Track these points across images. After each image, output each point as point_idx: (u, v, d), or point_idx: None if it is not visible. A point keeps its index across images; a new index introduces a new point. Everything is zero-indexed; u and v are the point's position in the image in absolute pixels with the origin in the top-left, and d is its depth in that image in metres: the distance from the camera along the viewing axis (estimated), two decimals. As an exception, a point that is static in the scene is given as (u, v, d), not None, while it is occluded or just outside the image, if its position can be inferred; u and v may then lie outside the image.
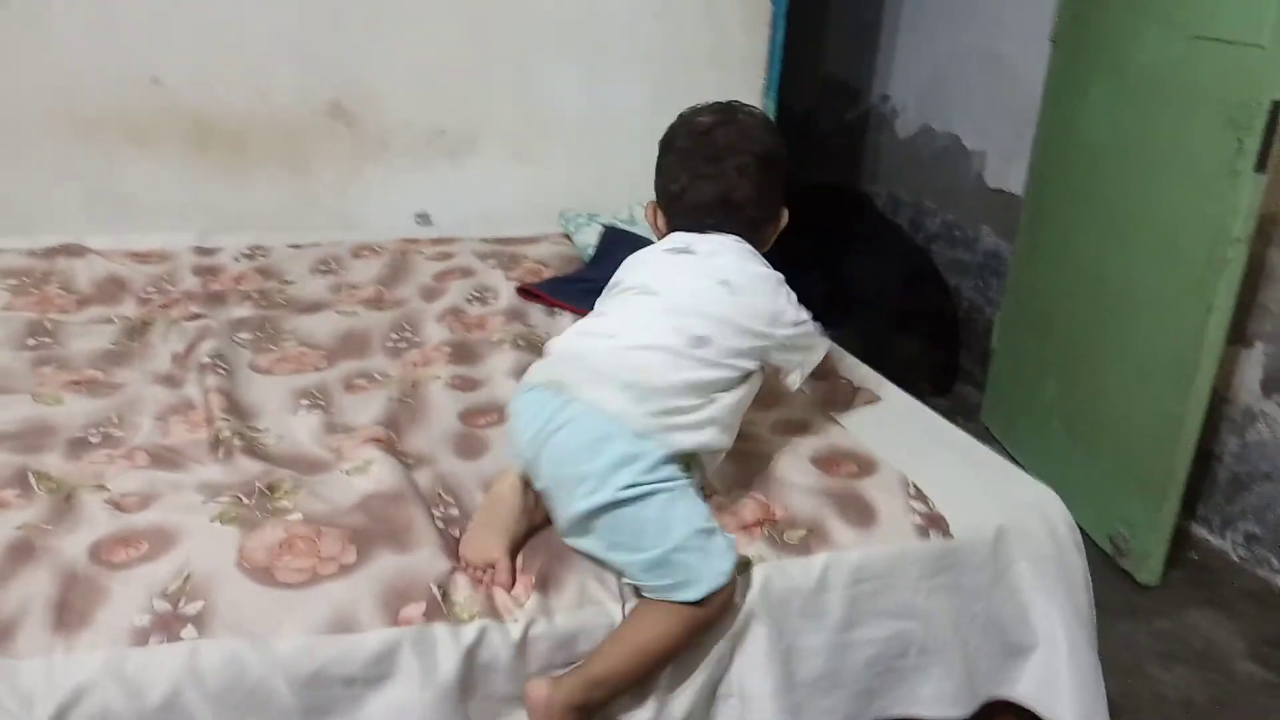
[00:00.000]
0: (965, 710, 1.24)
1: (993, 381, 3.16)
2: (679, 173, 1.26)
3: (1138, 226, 2.44)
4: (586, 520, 1.07)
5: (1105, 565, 2.50)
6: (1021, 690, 1.27)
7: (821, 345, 1.34)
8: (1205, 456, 2.67)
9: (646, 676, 1.05)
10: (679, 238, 1.27)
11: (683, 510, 1.06)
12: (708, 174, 1.23)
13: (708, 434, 1.13)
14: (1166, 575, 2.52)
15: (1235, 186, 2.14)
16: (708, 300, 1.19)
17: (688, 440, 1.11)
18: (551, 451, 1.09)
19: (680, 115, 1.30)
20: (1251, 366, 2.57)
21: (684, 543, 1.04)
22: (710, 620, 1.06)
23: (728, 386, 1.17)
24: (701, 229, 1.26)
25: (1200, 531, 2.75)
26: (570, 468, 1.08)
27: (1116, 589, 2.54)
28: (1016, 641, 1.26)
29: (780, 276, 1.28)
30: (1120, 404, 2.51)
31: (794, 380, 1.31)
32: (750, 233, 1.28)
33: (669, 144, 1.29)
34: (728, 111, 1.27)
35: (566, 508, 1.08)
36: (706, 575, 1.03)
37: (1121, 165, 2.49)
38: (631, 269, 1.28)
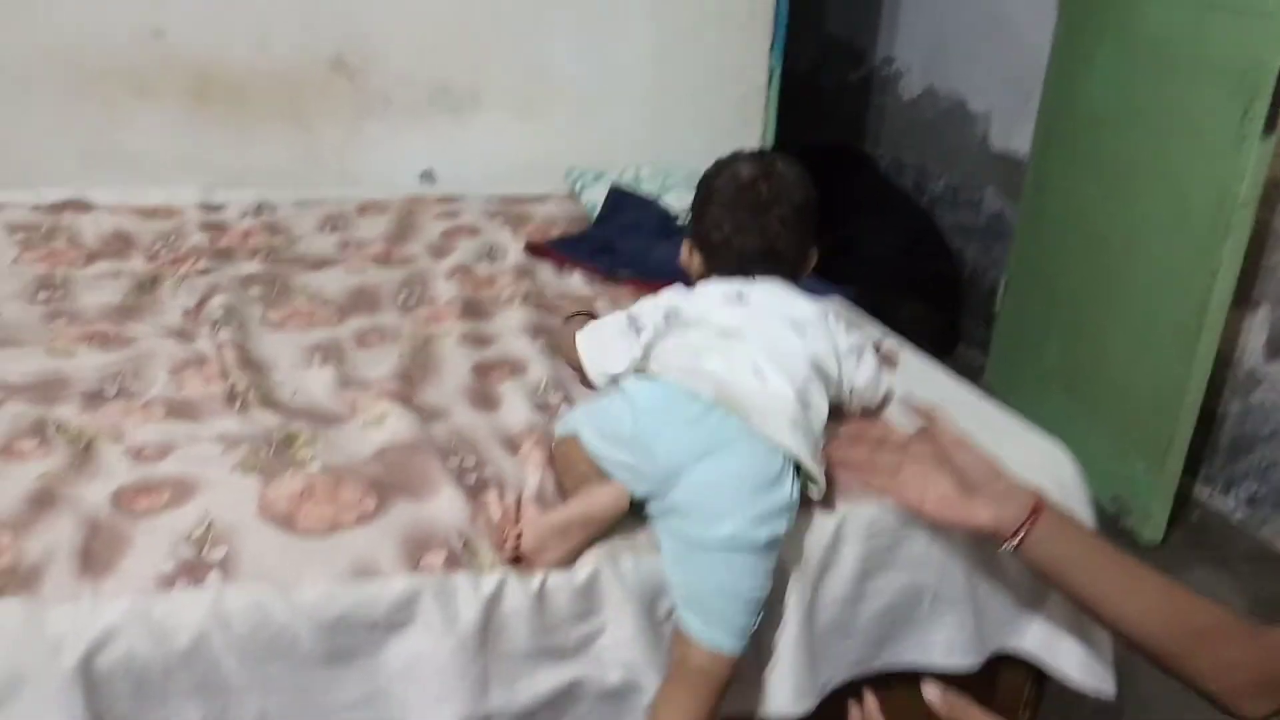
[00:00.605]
0: (974, 660, 1.25)
1: (997, 344, 3.17)
2: (722, 222, 1.27)
3: (1143, 190, 2.44)
4: (708, 544, 1.04)
5: (1107, 526, 2.53)
6: (1028, 643, 1.29)
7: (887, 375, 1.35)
8: (1208, 418, 2.69)
9: None
10: (729, 286, 1.25)
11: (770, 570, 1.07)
12: (752, 226, 1.26)
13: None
14: (1168, 535, 2.55)
15: (1242, 150, 2.13)
16: (790, 347, 1.18)
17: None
18: (715, 469, 1.05)
19: (718, 163, 1.32)
20: (1256, 329, 2.58)
21: (755, 601, 1.05)
22: (727, 682, 1.06)
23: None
24: (746, 274, 1.26)
25: (1202, 492, 2.77)
26: (729, 496, 1.04)
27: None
28: (1025, 595, 1.27)
29: (828, 308, 1.29)
30: (1124, 366, 2.52)
31: (857, 407, 1.30)
32: (789, 277, 1.29)
33: (710, 193, 1.30)
34: (768, 164, 1.30)
35: (699, 528, 1.04)
36: (742, 633, 1.05)
37: (1127, 129, 2.48)
38: (689, 301, 1.24)
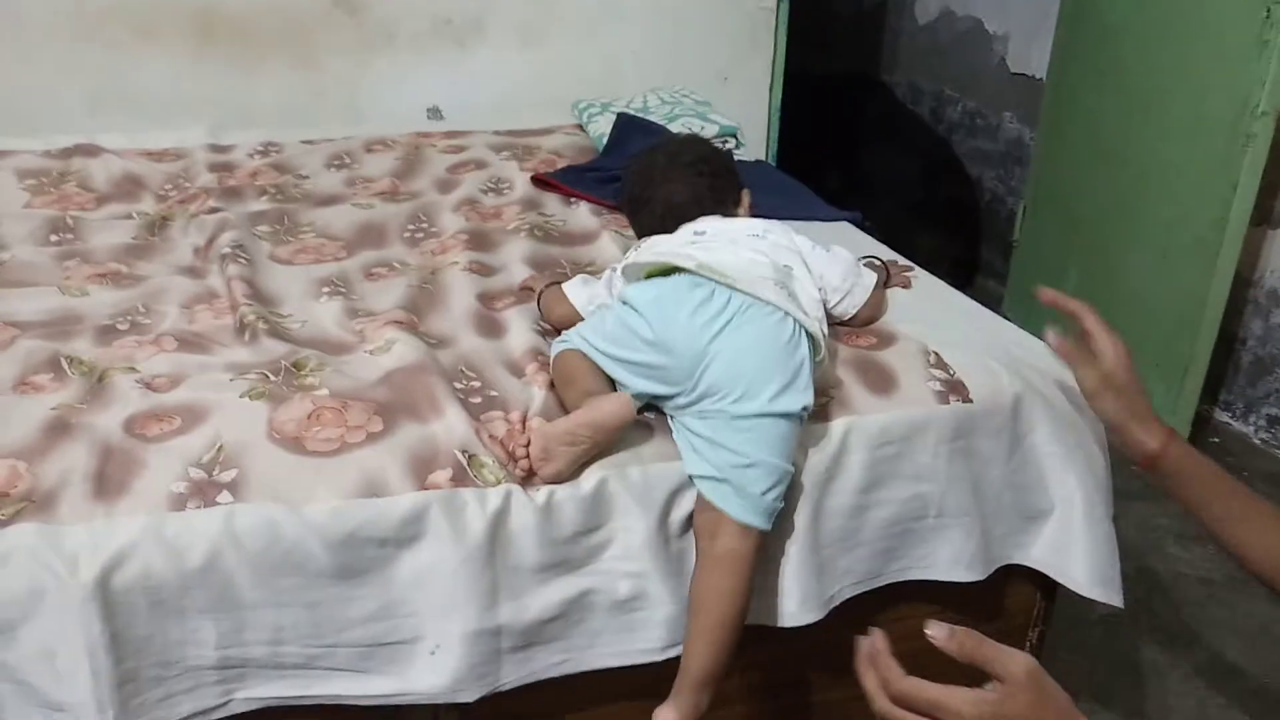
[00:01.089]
0: (980, 573, 1.26)
1: (1015, 274, 3.14)
2: (642, 190, 1.38)
3: (1162, 104, 2.38)
4: (746, 414, 1.07)
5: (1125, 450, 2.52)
6: (1036, 554, 1.29)
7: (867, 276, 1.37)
8: (1229, 341, 2.65)
9: (736, 637, 1.07)
10: (682, 232, 1.30)
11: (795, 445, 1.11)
12: (670, 179, 1.36)
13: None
14: (1188, 459, 2.54)
15: (1263, 57, 2.08)
16: (757, 246, 1.23)
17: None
18: (735, 343, 1.08)
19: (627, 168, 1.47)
20: (1277, 248, 2.53)
21: (785, 474, 1.08)
22: (756, 563, 1.09)
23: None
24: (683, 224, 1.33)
25: (1222, 417, 2.75)
26: (757, 363, 1.07)
27: (1136, 472, 2.58)
28: (1033, 506, 1.27)
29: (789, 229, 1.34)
30: (1142, 287, 2.49)
31: (845, 307, 1.34)
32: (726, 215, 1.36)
33: (627, 183, 1.44)
34: (663, 142, 1.50)
35: (737, 403, 1.07)
36: (770, 511, 1.08)
37: (1145, 41, 2.42)
38: (650, 246, 1.29)
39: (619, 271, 1.28)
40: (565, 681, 1.11)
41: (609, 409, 1.05)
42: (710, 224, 1.30)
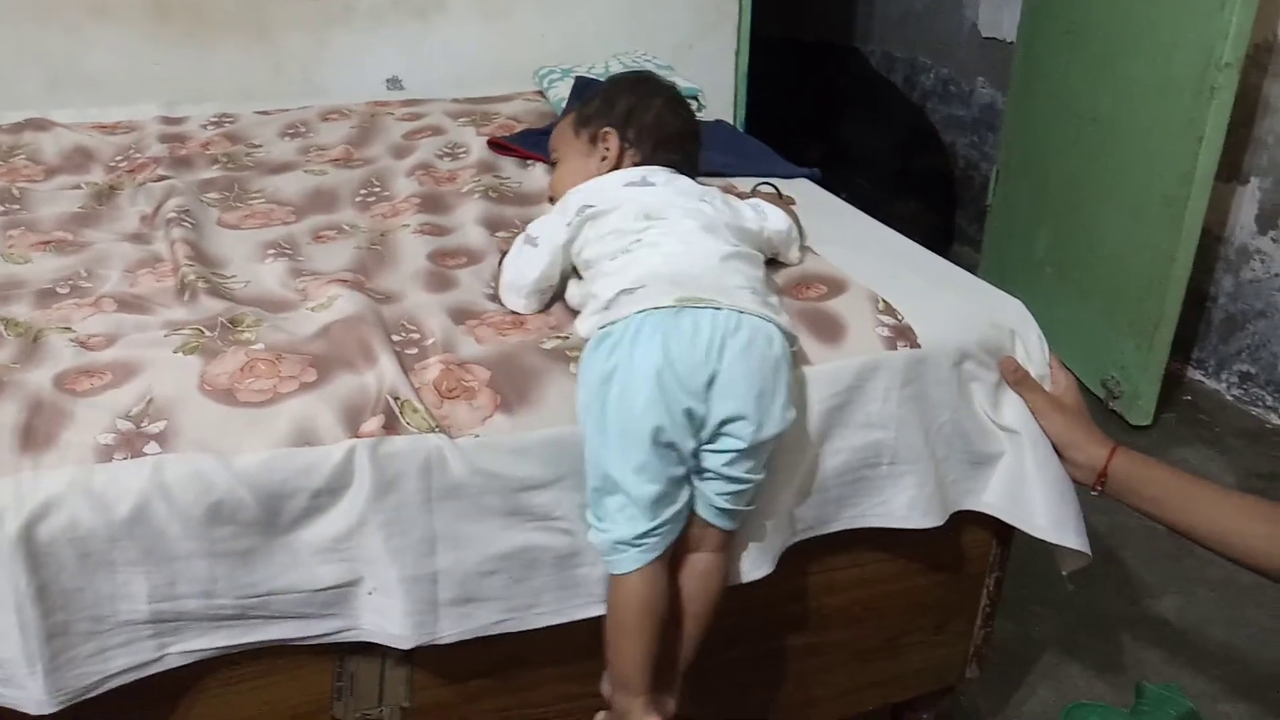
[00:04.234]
0: (937, 519, 1.25)
1: (989, 239, 3.13)
2: (656, 108, 1.36)
3: (1129, 61, 2.37)
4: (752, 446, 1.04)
5: (1097, 409, 2.52)
6: (989, 499, 1.28)
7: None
8: (1199, 299, 2.65)
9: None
10: (630, 173, 1.28)
11: None
12: (678, 114, 1.38)
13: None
14: (1159, 418, 2.54)
15: (1225, 9, 2.07)
16: (707, 212, 1.22)
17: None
18: (744, 364, 1.03)
19: (633, 76, 1.48)
20: (1246, 204, 2.53)
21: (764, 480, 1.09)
22: None
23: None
24: (665, 158, 1.32)
25: (1195, 375, 2.75)
26: (765, 381, 1.04)
27: (1108, 432, 2.60)
28: (983, 451, 1.26)
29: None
30: (1112, 245, 2.48)
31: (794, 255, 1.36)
32: (690, 167, 1.36)
33: (641, 91, 1.39)
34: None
35: (759, 428, 1.03)
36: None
37: (1113, -1, 2.41)
38: (595, 195, 1.24)
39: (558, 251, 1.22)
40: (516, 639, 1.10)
41: (627, 591, 1.02)
42: (661, 176, 1.28)
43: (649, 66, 2.19)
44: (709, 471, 1.05)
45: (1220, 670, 1.78)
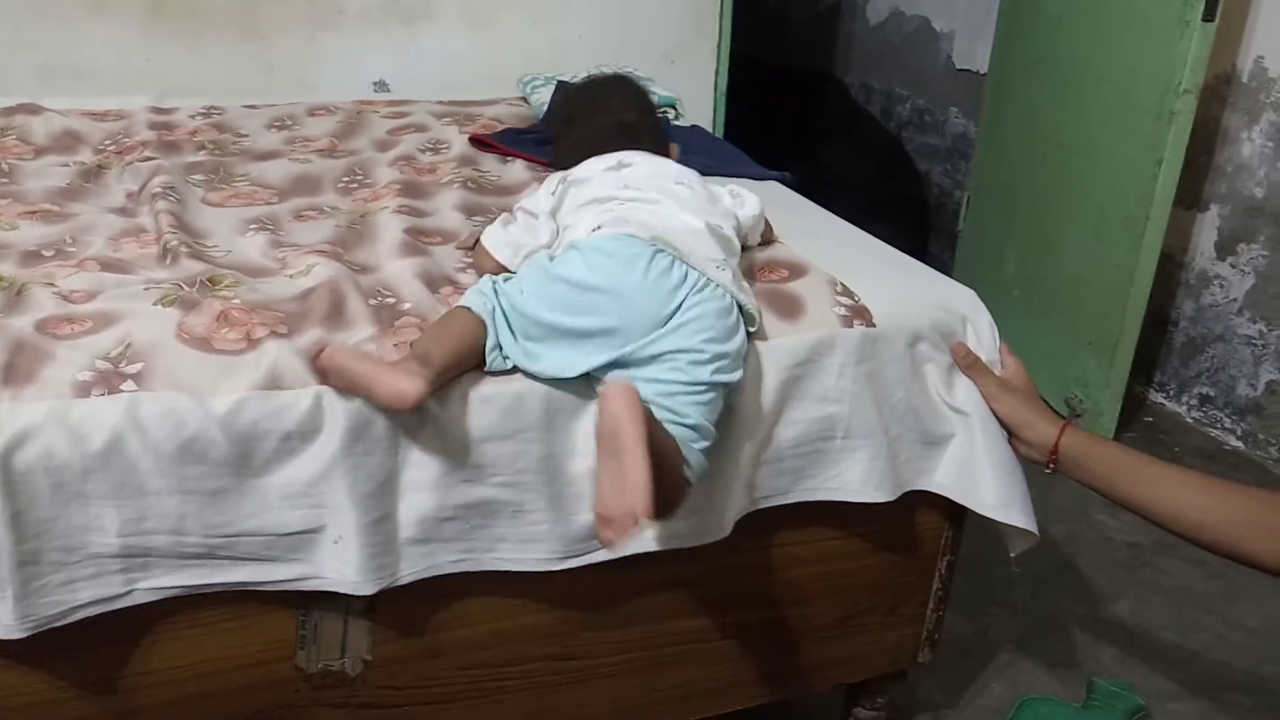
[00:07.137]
0: (890, 494, 1.29)
1: (960, 263, 3.20)
2: (597, 97, 1.48)
3: (1093, 87, 2.46)
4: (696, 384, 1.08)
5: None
6: (940, 479, 1.33)
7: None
8: (1161, 323, 2.73)
9: None
10: (607, 158, 1.32)
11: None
12: (619, 102, 1.46)
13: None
14: (1120, 436, 2.60)
15: (1184, 37, 2.16)
16: (685, 193, 1.26)
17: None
18: (689, 317, 1.08)
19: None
20: (1207, 230, 2.61)
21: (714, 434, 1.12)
22: None
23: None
24: (620, 146, 1.36)
25: (1156, 397, 2.82)
26: (706, 340, 1.09)
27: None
28: (934, 431, 1.31)
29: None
30: (1076, 265, 2.56)
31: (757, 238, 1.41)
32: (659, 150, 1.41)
33: (578, 98, 1.53)
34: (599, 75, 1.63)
35: (686, 371, 1.07)
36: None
37: (1079, 28, 2.51)
38: (575, 171, 1.31)
39: (543, 217, 1.28)
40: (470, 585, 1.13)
41: (394, 388, 0.99)
42: (636, 157, 1.33)
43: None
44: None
45: (1172, 671, 1.82)
